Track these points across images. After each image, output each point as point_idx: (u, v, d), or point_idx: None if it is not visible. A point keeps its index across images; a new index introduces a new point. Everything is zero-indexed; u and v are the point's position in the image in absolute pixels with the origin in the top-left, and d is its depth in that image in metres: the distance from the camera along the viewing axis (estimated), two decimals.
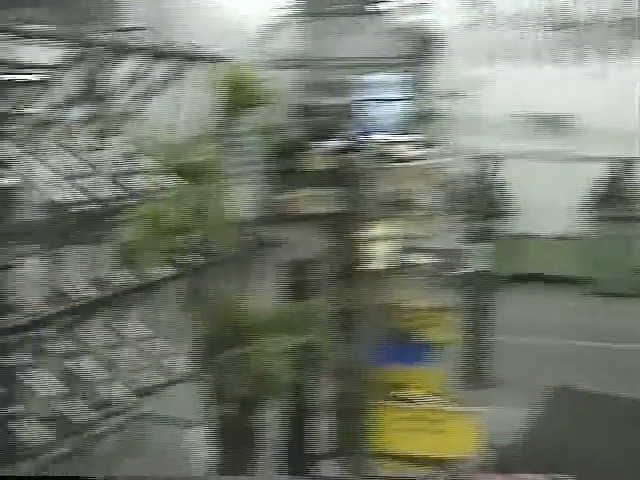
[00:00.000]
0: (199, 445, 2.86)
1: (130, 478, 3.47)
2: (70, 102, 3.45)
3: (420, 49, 9.22)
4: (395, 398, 2.79)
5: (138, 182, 3.46)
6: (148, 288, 3.57)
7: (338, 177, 3.32)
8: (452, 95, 8.87)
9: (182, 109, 3.48)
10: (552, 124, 8.83)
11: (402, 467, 2.75)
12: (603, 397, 3.91)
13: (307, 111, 13.27)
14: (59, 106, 3.49)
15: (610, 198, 8.25)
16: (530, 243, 8.57)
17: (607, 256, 8.07)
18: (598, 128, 8.42)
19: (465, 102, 8.75)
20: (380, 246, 2.53)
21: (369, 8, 10.16)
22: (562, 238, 8.56)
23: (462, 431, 2.57)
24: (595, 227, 8.37)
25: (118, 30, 3.87)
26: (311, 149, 3.47)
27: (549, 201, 8.32)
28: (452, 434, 2.59)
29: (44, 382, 3.47)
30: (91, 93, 3.34)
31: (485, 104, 8.65)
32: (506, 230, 8.03)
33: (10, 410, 2.95)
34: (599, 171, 8.44)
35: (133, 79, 3.44)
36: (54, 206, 4.15)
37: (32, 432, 3.14)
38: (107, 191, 3.31)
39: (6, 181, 6.39)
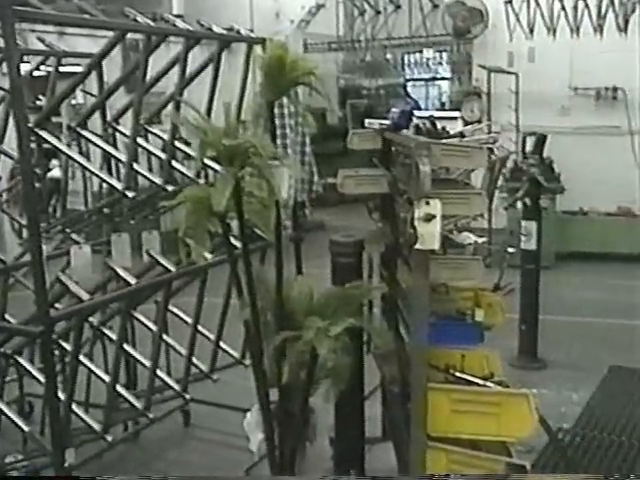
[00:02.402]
0: (254, 428, 2.85)
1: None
2: (112, 91, 3.47)
3: (465, 25, 9.04)
4: (448, 380, 2.74)
5: (182, 167, 3.47)
6: (196, 273, 3.58)
7: (384, 157, 3.26)
8: (498, 71, 8.69)
9: (224, 93, 3.46)
10: (600, 98, 8.59)
11: (455, 450, 2.70)
12: None
13: (351, 92, 13.16)
14: (102, 95, 3.50)
15: None
16: (580, 220, 8.39)
17: None
18: None
19: (512, 78, 8.57)
20: (429, 227, 2.46)
21: None
22: (612, 214, 8.37)
23: (518, 413, 2.51)
24: None
25: (161, 18, 3.87)
26: (356, 130, 3.42)
27: (598, 177, 8.12)
28: (508, 416, 2.53)
29: (98, 369, 3.52)
30: (134, 81, 3.34)
31: (532, 79, 8.46)
32: (555, 207, 7.85)
33: (64, 397, 2.99)
34: None
35: (175, 65, 3.43)
36: (102, 195, 4.21)
37: (86, 419, 3.19)
38: (152, 178, 3.32)
39: (56, 172, 6.50)
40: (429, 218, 2.45)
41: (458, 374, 2.77)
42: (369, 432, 3.50)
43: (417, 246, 2.46)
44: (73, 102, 7.76)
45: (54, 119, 3.60)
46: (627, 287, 7.11)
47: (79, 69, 3.63)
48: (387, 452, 3.44)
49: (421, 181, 2.45)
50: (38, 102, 6.24)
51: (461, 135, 2.99)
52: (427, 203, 2.46)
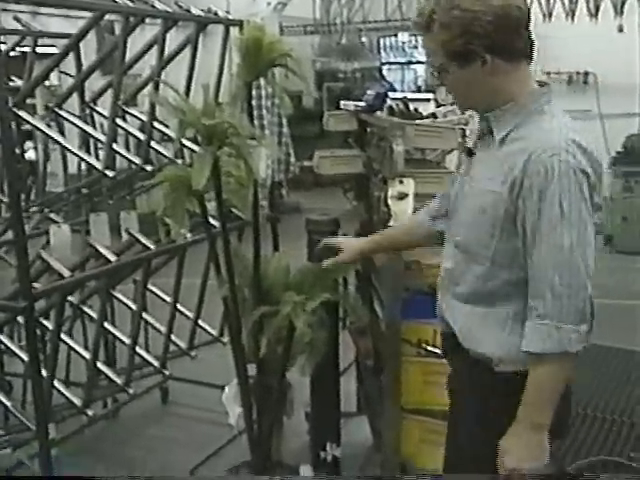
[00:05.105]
0: (233, 402, 2.93)
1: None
2: (91, 71, 3.49)
3: None
4: (420, 355, 2.83)
5: (160, 148, 3.51)
6: (175, 251, 3.63)
7: (359, 138, 3.33)
8: None
9: (201, 73, 3.50)
10: (571, 82, 8.75)
11: (430, 422, 2.80)
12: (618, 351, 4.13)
13: (327, 75, 13.15)
14: (80, 76, 3.52)
15: (630, 155, 8.07)
16: None
17: (626, 213, 7.93)
18: (616, 84, 8.37)
19: None
20: (401, 205, 2.54)
21: None
22: None
23: None
24: (614, 184, 8.19)
25: None
26: (331, 111, 3.48)
27: None
28: None
29: (77, 346, 3.57)
30: (111, 61, 3.37)
31: None
32: None
33: (46, 373, 3.04)
34: (619, 128, 8.34)
35: (153, 46, 3.46)
36: (80, 175, 4.23)
37: (67, 394, 3.24)
38: (130, 158, 3.35)
39: (32, 154, 6.46)
40: (402, 196, 2.53)
41: (430, 348, 2.86)
42: (344, 407, 3.59)
43: (390, 223, 2.54)
44: (46, 83, 7.69)
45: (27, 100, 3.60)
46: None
47: (53, 50, 3.64)
48: (362, 425, 3.54)
49: (394, 160, 2.54)
50: (11, 83, 6.17)
51: (433, 116, 3.07)
52: (400, 182, 2.55)
